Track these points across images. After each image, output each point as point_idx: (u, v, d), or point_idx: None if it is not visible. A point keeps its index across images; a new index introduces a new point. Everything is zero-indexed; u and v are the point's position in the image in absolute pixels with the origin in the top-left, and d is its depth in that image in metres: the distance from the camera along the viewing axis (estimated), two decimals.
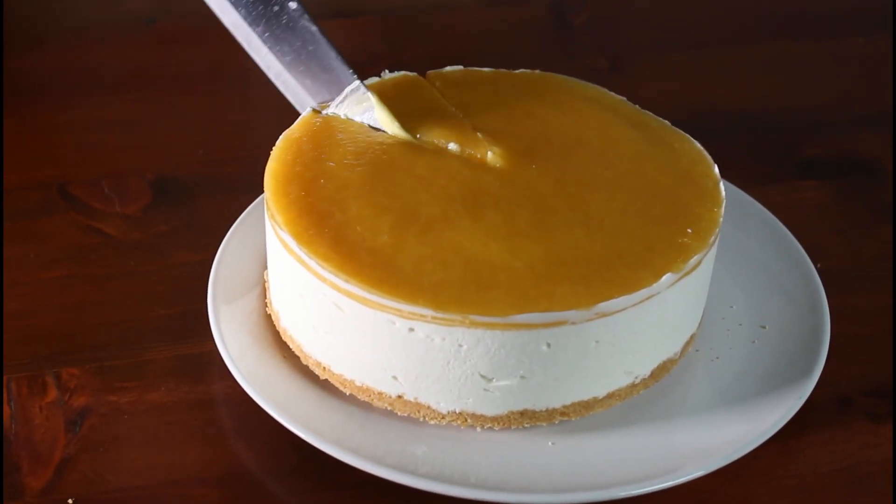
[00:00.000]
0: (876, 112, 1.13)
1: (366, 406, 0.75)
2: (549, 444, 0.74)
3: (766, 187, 0.99)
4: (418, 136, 0.80)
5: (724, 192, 0.78)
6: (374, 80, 0.85)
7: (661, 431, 0.75)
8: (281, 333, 0.79)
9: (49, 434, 0.76)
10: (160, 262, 0.90)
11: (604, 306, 0.69)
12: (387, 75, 0.86)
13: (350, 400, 0.75)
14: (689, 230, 0.74)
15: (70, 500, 0.72)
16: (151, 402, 0.78)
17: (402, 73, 0.86)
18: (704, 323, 0.81)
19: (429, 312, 0.69)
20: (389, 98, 0.82)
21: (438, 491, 0.70)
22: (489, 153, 0.79)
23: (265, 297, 0.82)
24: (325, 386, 0.76)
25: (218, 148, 1.02)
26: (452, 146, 0.79)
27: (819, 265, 0.87)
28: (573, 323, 0.69)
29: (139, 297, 0.87)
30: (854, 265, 0.93)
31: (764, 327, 0.82)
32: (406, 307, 0.69)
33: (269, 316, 0.81)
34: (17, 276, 0.88)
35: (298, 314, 0.77)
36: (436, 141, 0.80)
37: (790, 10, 1.30)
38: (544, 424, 0.74)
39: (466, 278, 0.70)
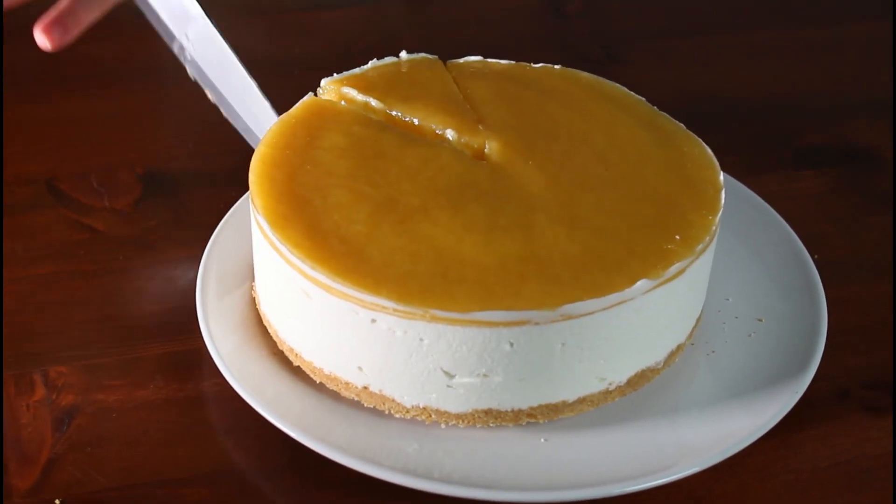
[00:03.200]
0: (874, 99, 1.12)
1: (356, 405, 0.74)
2: (542, 440, 0.73)
3: (764, 177, 0.99)
4: (416, 120, 0.79)
5: (723, 201, 0.76)
6: (390, 59, 0.85)
7: (655, 427, 0.74)
8: (262, 318, 0.79)
9: (36, 433, 0.75)
10: (149, 258, 0.89)
11: (570, 308, 0.68)
12: (404, 56, 0.85)
13: (341, 398, 0.75)
14: (678, 237, 0.73)
15: (57, 501, 0.71)
16: (140, 400, 0.78)
17: (422, 55, 0.86)
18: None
19: (390, 304, 0.68)
20: (401, 79, 0.82)
21: (445, 492, 0.69)
22: (487, 146, 0.78)
23: (253, 292, 0.81)
24: (314, 384, 0.76)
25: (208, 141, 1.01)
26: (450, 133, 0.78)
27: (817, 256, 0.86)
28: (537, 323, 0.68)
29: (128, 294, 0.86)
30: (852, 255, 0.92)
31: (760, 320, 0.81)
32: (369, 298, 0.68)
33: (258, 312, 0.80)
34: (4, 272, 0.87)
35: (273, 299, 0.77)
36: (434, 126, 0.79)
37: None
38: (510, 425, 0.73)
39: (433, 272, 0.69)
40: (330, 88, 0.83)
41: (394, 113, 0.81)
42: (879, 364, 0.82)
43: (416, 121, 0.80)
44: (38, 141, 1.02)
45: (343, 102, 0.82)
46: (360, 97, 0.82)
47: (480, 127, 0.79)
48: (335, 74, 0.84)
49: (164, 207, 0.94)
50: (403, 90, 0.82)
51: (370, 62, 0.85)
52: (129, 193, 0.95)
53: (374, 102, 0.81)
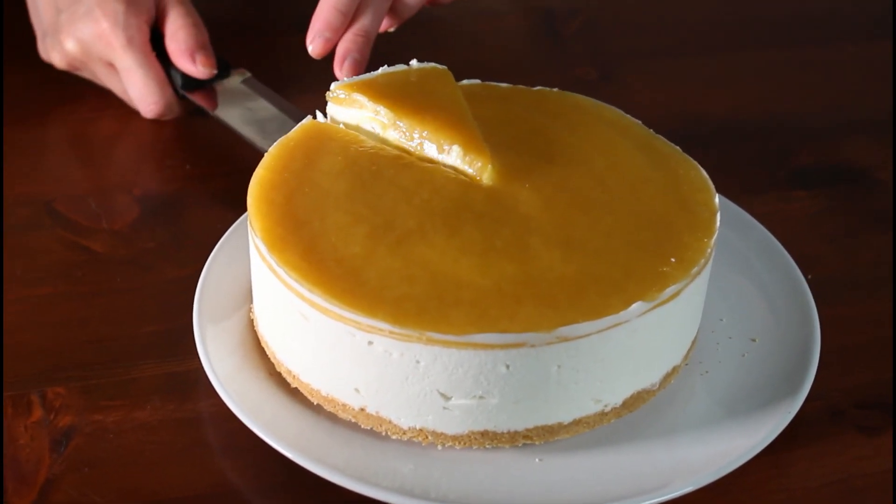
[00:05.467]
0: (867, 119, 1.13)
1: (353, 426, 0.75)
2: (538, 461, 0.73)
3: (757, 197, 0.99)
4: (425, 133, 0.80)
5: (718, 223, 0.77)
6: (400, 67, 0.85)
7: (648, 447, 0.74)
8: (260, 339, 0.80)
9: (34, 454, 0.76)
10: (147, 279, 0.90)
11: (565, 330, 0.69)
12: (415, 65, 0.85)
13: (339, 420, 0.75)
14: (673, 259, 0.73)
15: None
16: (137, 421, 0.78)
17: (432, 64, 0.86)
18: None
19: (386, 327, 0.68)
20: (411, 89, 0.82)
21: None
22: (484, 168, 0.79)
23: (252, 313, 0.82)
24: (311, 406, 0.76)
25: (204, 163, 1.02)
26: (456, 149, 0.79)
27: (810, 276, 0.87)
28: (532, 345, 0.68)
29: (126, 314, 0.86)
30: (846, 274, 0.93)
31: (754, 340, 0.82)
32: (365, 320, 0.69)
33: (256, 333, 0.80)
34: (3, 293, 0.87)
35: (271, 321, 0.77)
36: (442, 142, 0.79)
37: (779, 17, 1.29)
38: (507, 447, 0.74)
39: (429, 294, 0.69)
40: (340, 93, 0.82)
41: (400, 123, 0.80)
42: (872, 384, 0.83)
43: (425, 133, 0.80)
44: (37, 163, 1.02)
45: (342, 125, 0.82)
46: (369, 104, 0.81)
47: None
48: (345, 79, 0.84)
49: (161, 229, 0.94)
50: (412, 101, 0.82)
51: (381, 69, 0.85)
52: (126, 215, 0.96)
53: (383, 111, 0.81)
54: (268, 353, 0.79)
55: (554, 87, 0.90)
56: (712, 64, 1.21)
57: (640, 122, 0.86)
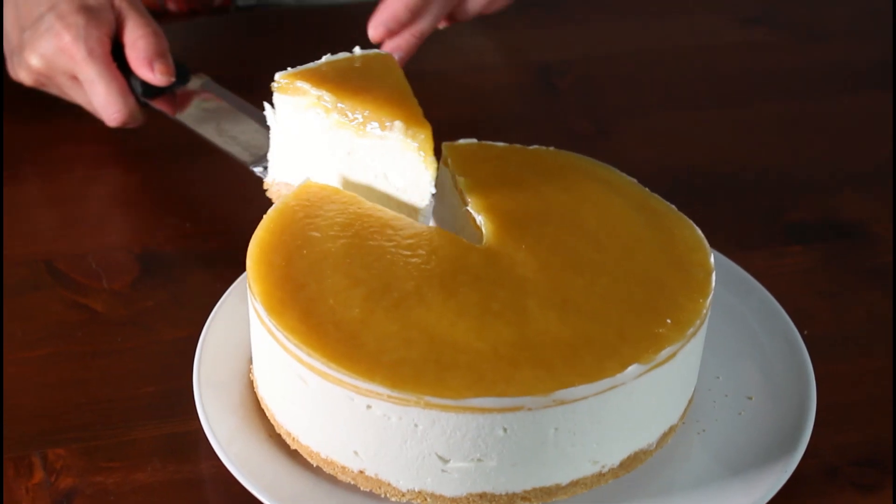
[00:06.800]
0: (861, 173, 1.14)
1: (353, 489, 0.75)
2: None
3: (753, 252, 1.00)
4: (367, 112, 0.81)
5: (713, 284, 0.77)
6: (343, 55, 0.86)
7: None
8: (259, 401, 0.80)
9: None
10: (146, 339, 0.90)
11: (562, 394, 0.69)
12: (358, 52, 0.87)
13: (338, 482, 0.75)
14: (669, 320, 0.74)
15: None
16: (138, 483, 0.78)
17: (374, 51, 0.88)
18: None
19: (384, 391, 0.69)
20: (353, 73, 0.83)
21: None
22: (483, 228, 0.80)
23: (251, 374, 0.82)
24: (311, 468, 0.76)
25: (204, 221, 1.03)
26: (398, 125, 0.79)
27: (806, 332, 0.87)
28: (530, 409, 0.69)
29: (125, 375, 0.87)
30: (841, 331, 0.93)
31: (750, 398, 0.82)
32: (363, 384, 0.69)
33: (255, 394, 0.81)
34: (3, 354, 0.88)
35: (270, 383, 0.78)
36: (383, 119, 0.80)
37: (772, 71, 1.30)
38: None
39: (427, 358, 0.70)
40: (284, 82, 0.84)
41: (341, 106, 0.81)
42: (869, 441, 0.83)
43: (366, 112, 0.81)
44: (37, 222, 1.03)
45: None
46: (313, 91, 0.82)
47: (420, 110, 0.81)
48: (288, 69, 0.85)
49: (160, 288, 0.95)
50: (354, 84, 0.83)
51: (324, 57, 0.86)
52: (126, 274, 0.96)
53: (326, 95, 0.82)
54: (267, 414, 0.79)
55: (551, 141, 0.91)
56: (706, 118, 1.22)
57: (635, 180, 0.87)
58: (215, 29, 1.03)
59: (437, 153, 0.81)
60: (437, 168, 0.80)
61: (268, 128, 0.88)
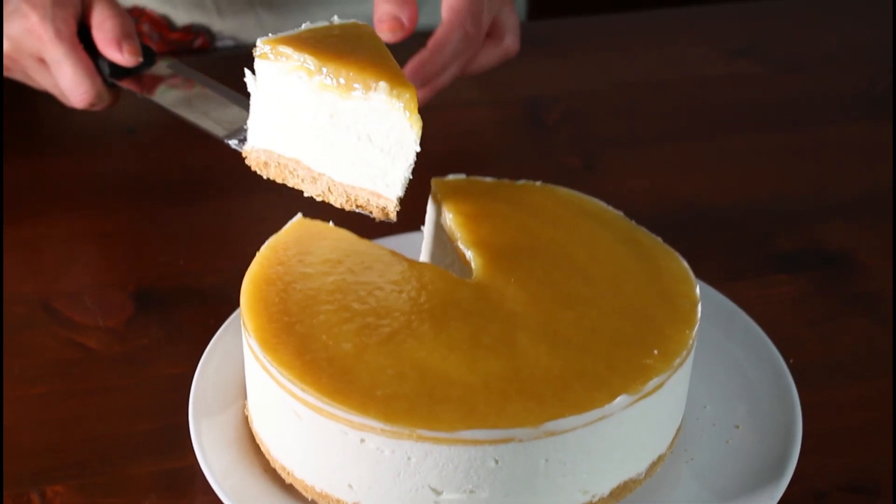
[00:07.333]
0: (845, 202, 1.15)
1: None
2: None
3: (738, 282, 1.01)
4: (351, 74, 0.80)
5: (699, 315, 0.79)
6: (322, 23, 0.86)
7: None
8: (254, 435, 0.81)
9: None
10: (142, 376, 0.91)
11: (552, 425, 0.70)
12: (336, 21, 0.86)
13: None
14: (656, 351, 0.75)
15: None
16: None
17: (352, 20, 0.87)
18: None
19: (378, 425, 0.70)
20: (333, 39, 0.83)
21: None
22: (472, 263, 0.81)
23: (246, 409, 0.83)
24: (306, 502, 0.77)
25: (197, 259, 1.04)
26: (382, 86, 0.79)
27: (792, 360, 0.88)
28: (521, 440, 0.70)
29: (122, 412, 0.88)
30: (828, 358, 0.94)
31: (738, 427, 0.83)
32: (357, 418, 0.70)
33: (250, 429, 0.82)
34: (2, 392, 0.89)
35: (265, 418, 0.79)
36: (367, 80, 0.80)
37: (758, 102, 1.32)
38: None
39: (419, 391, 0.71)
40: (266, 48, 0.83)
41: (325, 69, 0.81)
42: (856, 467, 0.84)
43: (350, 74, 0.80)
44: (32, 261, 1.04)
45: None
46: (296, 55, 0.81)
47: (401, 80, 0.80)
48: (270, 35, 0.84)
49: (155, 325, 0.96)
50: (336, 49, 0.82)
51: (303, 24, 0.85)
52: (121, 312, 0.97)
53: (309, 59, 0.81)
54: (262, 449, 0.80)
55: (539, 175, 0.92)
56: (692, 150, 1.23)
57: (622, 213, 0.88)
58: (198, 70, 1.03)
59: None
60: (422, 127, 0.80)
61: (238, 103, 0.88)
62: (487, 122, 1.28)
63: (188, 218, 1.09)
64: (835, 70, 1.38)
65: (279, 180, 0.86)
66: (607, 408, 0.71)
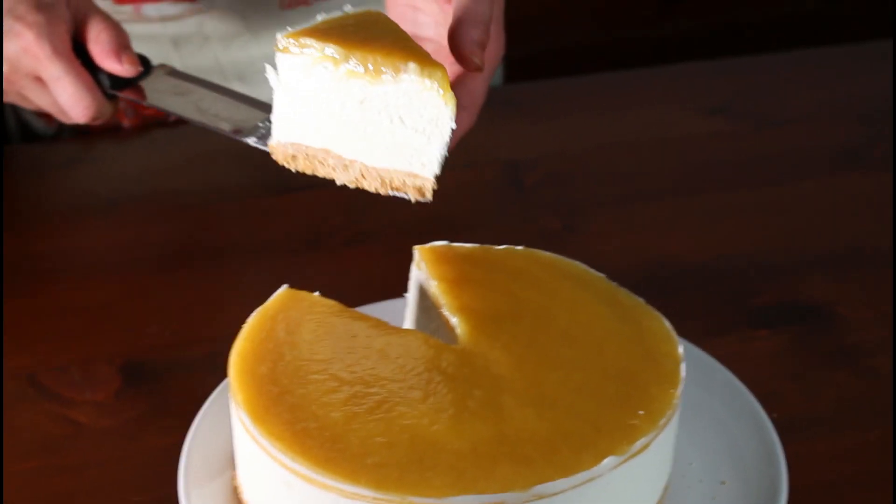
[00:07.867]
0: (824, 255, 1.16)
1: None
2: None
3: (720, 338, 1.02)
4: (378, 59, 0.79)
5: (683, 373, 0.80)
6: (336, 14, 0.85)
7: None
8: None
9: None
10: (132, 449, 0.91)
11: (541, 488, 0.71)
12: (349, 9, 0.86)
13: None
14: (641, 412, 0.76)
15: None
16: None
17: (366, 9, 0.86)
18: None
19: (369, 493, 0.71)
20: (351, 29, 0.82)
21: None
22: (457, 328, 0.82)
23: (235, 480, 0.83)
24: None
25: (183, 330, 1.04)
26: (412, 66, 0.79)
27: (775, 414, 0.89)
28: None
29: (113, 486, 0.88)
30: (811, 412, 0.95)
31: (724, 483, 0.84)
32: (348, 487, 0.71)
33: (240, 499, 0.82)
34: None
35: (255, 488, 0.79)
36: (397, 62, 0.79)
37: (735, 159, 1.33)
38: None
39: (409, 458, 0.72)
40: (287, 42, 0.81)
41: (352, 58, 0.80)
42: None
43: (378, 59, 0.80)
44: (19, 335, 1.04)
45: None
46: (318, 45, 0.81)
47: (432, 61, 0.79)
48: (290, 29, 0.82)
49: (143, 398, 0.96)
50: (358, 37, 0.81)
51: (318, 16, 0.84)
52: (109, 385, 0.98)
53: (333, 49, 0.80)
54: None
55: (520, 238, 0.93)
56: (669, 208, 1.24)
57: (603, 275, 0.89)
58: (173, 141, 1.03)
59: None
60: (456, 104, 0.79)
61: (245, 102, 0.88)
62: (466, 186, 1.29)
63: (173, 288, 1.09)
64: (810, 125, 1.39)
65: (308, 172, 0.86)
66: (595, 469, 0.72)
